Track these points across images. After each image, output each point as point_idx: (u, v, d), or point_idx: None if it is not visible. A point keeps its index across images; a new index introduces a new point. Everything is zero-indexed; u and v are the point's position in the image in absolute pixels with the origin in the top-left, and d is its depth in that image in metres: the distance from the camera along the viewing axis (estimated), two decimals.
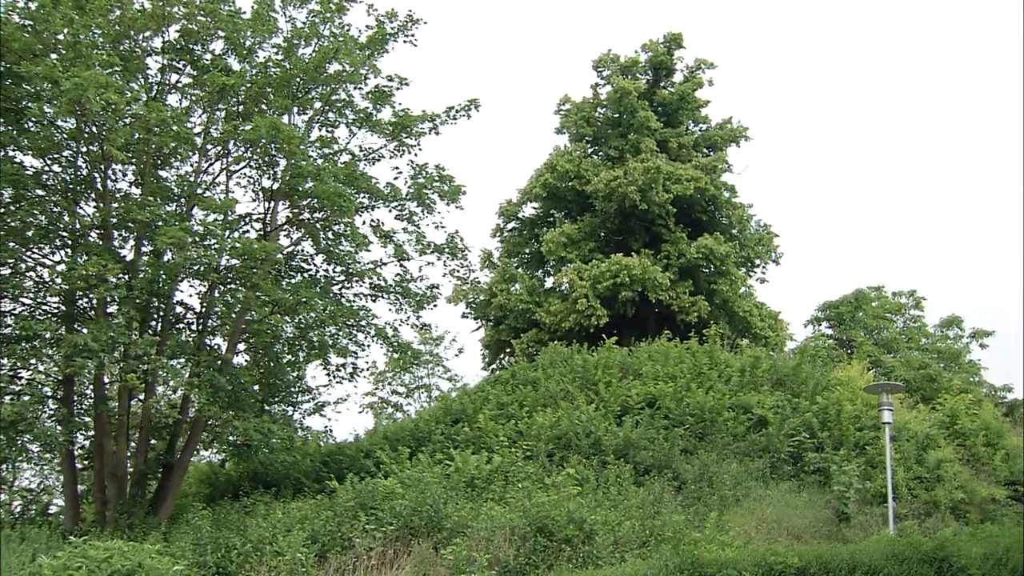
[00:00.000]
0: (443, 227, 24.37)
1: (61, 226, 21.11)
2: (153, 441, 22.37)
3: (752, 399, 23.38)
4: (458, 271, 25.14)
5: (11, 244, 20.02)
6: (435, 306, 24.85)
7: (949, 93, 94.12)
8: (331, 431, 25.50)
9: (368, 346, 24.03)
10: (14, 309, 21.37)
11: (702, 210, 36.46)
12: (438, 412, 24.97)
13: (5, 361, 21.72)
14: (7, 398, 21.10)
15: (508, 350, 37.15)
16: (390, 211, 24.01)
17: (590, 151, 38.48)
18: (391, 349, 24.20)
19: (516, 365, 29.10)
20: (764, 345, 34.16)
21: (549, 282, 37.30)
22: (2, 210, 20.39)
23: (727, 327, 34.09)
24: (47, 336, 20.69)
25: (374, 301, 24.08)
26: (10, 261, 20.56)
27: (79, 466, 22.82)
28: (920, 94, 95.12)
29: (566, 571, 13.73)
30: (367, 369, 25.59)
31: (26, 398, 20.66)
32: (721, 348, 28.13)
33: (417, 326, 25.03)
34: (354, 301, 23.70)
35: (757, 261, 38.31)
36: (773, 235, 38.64)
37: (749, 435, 22.24)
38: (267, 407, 22.71)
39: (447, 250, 24.37)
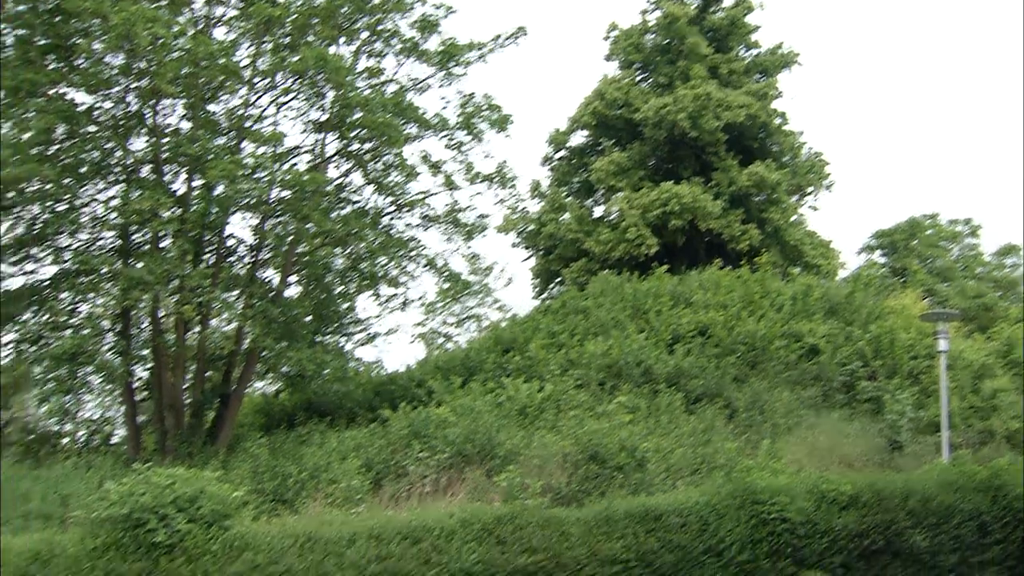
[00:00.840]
0: (492, 157, 24.32)
1: (114, 162, 21.31)
2: (209, 372, 22.74)
3: (804, 327, 23.24)
4: (507, 201, 25.11)
5: (67, 180, 20.29)
6: (485, 235, 24.91)
7: (1004, 16, 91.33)
8: (383, 362, 25.73)
9: (418, 276, 24.20)
10: (72, 244, 21.73)
11: (753, 137, 35.98)
12: (489, 341, 25.08)
13: (65, 295, 22.17)
14: (67, 332, 21.57)
15: (558, 279, 37.19)
16: (439, 140, 23.96)
17: (639, 78, 38.03)
18: (442, 279, 24.31)
19: (566, 294, 29.10)
20: (816, 273, 33.85)
21: (599, 211, 37.17)
22: (57, 147, 20.63)
23: (778, 255, 33.84)
24: (104, 270, 21.01)
25: (425, 230, 24.17)
26: (66, 197, 20.85)
27: (139, 397, 23.34)
28: (974, 17, 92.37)
29: (618, 498, 13.84)
30: (418, 300, 25.77)
31: (85, 331, 21.11)
32: (772, 276, 27.93)
33: (467, 256, 25.10)
34: (404, 232, 23.79)
35: (808, 189, 37.86)
36: (824, 162, 38.12)
37: (801, 363, 22.15)
38: (320, 338, 22.96)
39: (496, 179, 24.32)
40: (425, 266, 23.82)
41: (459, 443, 16.53)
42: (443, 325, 37.34)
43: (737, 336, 22.88)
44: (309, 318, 22.47)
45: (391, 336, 25.30)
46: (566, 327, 24.64)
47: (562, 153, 39.48)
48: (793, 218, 35.88)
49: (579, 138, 39.28)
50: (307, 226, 20.70)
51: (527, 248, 38.24)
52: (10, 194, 20.35)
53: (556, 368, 21.42)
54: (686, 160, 35.20)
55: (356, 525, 11.50)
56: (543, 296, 38.02)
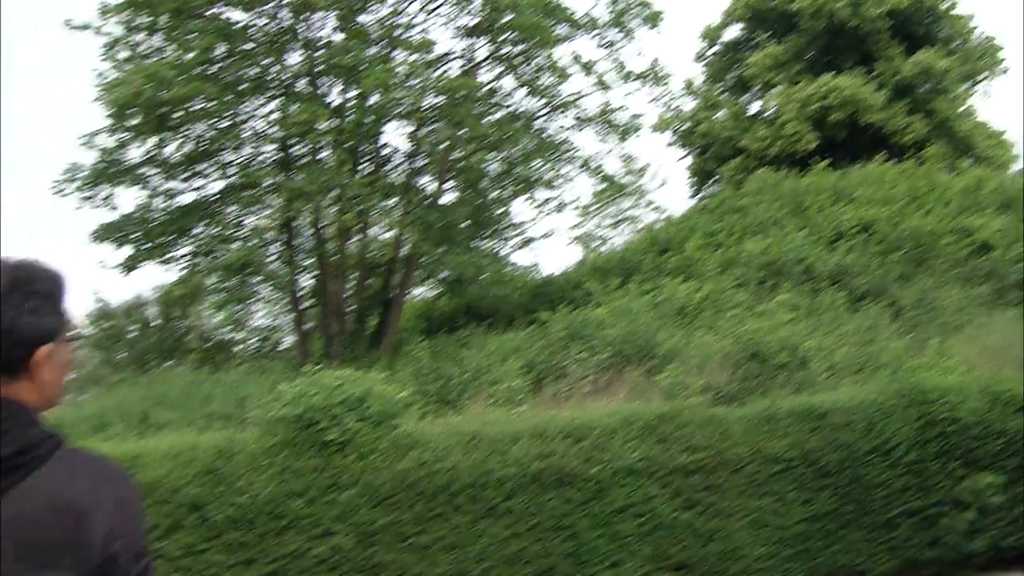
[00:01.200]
0: (644, 55, 23.89)
1: (271, 77, 21.83)
2: (370, 280, 23.37)
3: (975, 222, 22.10)
4: (660, 99, 24.66)
5: (228, 98, 20.91)
6: (638, 136, 24.58)
7: None
8: (539, 265, 25.92)
9: (573, 179, 24.13)
10: (236, 160, 22.50)
11: (919, 23, 33.96)
12: (645, 242, 24.86)
13: (232, 209, 23.07)
14: (235, 244, 22.49)
15: (714, 178, 36.48)
16: (590, 40, 23.60)
17: None
18: (596, 181, 24.19)
19: (723, 193, 28.51)
20: (988, 165, 32.06)
21: (754, 107, 36.07)
22: (217, 66, 21.24)
23: (946, 148, 32.18)
24: (267, 183, 21.71)
25: (579, 132, 24.01)
26: (228, 114, 21.53)
27: (304, 305, 24.23)
28: None
29: (780, 397, 13.64)
30: (573, 203, 25.75)
31: (252, 243, 21.96)
32: (940, 170, 26.62)
33: (621, 157, 24.87)
34: (557, 134, 23.68)
35: (980, 76, 35.69)
36: (997, 47, 35.75)
37: (971, 260, 21.12)
38: (477, 243, 23.26)
39: (649, 78, 23.85)
40: (580, 168, 23.73)
41: (618, 344, 16.54)
42: (599, 227, 37.26)
43: (902, 232, 21.98)
44: (466, 223, 22.75)
45: (547, 239, 25.47)
46: (724, 226, 24.16)
47: (715, 49, 38.27)
48: (963, 108, 33.97)
49: (733, 32, 38.00)
50: (461, 132, 20.82)
51: (682, 147, 37.54)
52: (177, 114, 21.15)
53: (714, 268, 21.09)
54: (846, 51, 33.59)
55: (519, 424, 11.70)
56: (699, 196, 37.37)
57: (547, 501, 10.97)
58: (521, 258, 26.03)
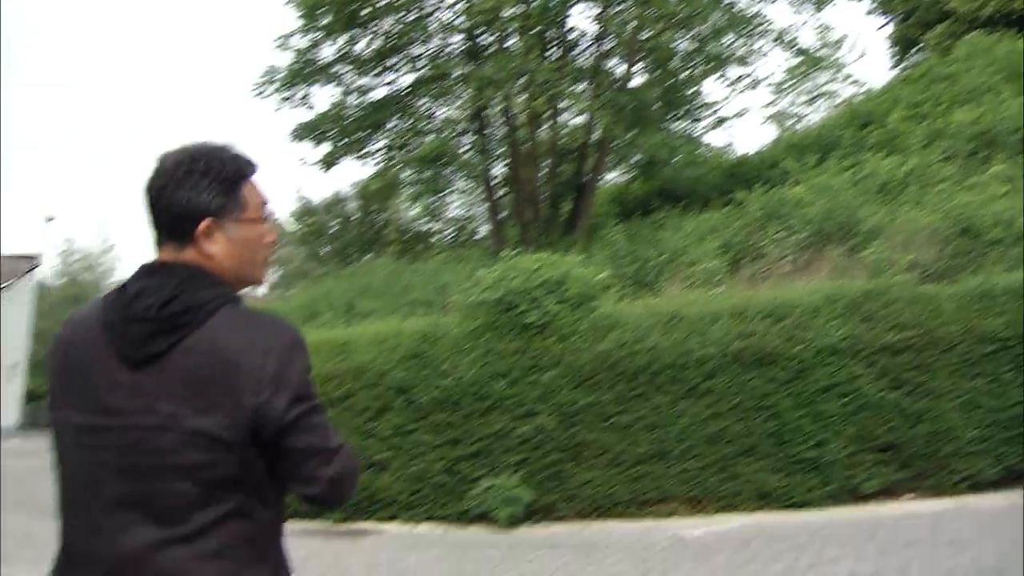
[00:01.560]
0: None
1: None
2: (562, 166, 23.36)
3: None
4: None
5: None
6: (835, 5, 23.31)
7: None
8: (734, 144, 25.26)
9: (766, 54, 23.20)
10: (424, 52, 22.71)
11: None
12: (844, 117, 23.73)
13: (423, 101, 23.40)
14: (428, 136, 22.87)
15: (918, 47, 34.26)
16: None
17: None
18: (791, 55, 23.17)
19: (929, 61, 26.75)
20: None
21: None
22: None
23: None
24: (456, 73, 21.84)
25: (772, 3, 22.97)
26: (415, 7, 21.67)
27: (498, 194, 24.51)
28: None
29: (993, 274, 12.89)
30: (766, 79, 24.79)
31: (444, 134, 22.28)
32: None
33: (817, 29, 23.69)
34: (749, 7, 22.69)
35: None
36: None
37: None
38: (669, 125, 22.80)
39: None
40: (773, 42, 22.71)
41: (817, 222, 15.98)
42: (794, 104, 35.87)
43: None
44: (657, 105, 22.30)
45: (741, 118, 24.75)
46: (929, 96, 22.73)
47: None
48: None
49: None
50: (648, 11, 20.25)
51: (882, 15, 35.37)
52: (365, 10, 21.45)
53: (919, 140, 19.94)
54: None
55: (718, 304, 11.55)
56: (901, 65, 35.24)
57: (748, 381, 10.84)
58: (715, 138, 25.41)
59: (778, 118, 35.22)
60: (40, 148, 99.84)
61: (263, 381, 2.02)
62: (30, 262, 34.77)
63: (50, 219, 35.36)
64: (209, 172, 2.18)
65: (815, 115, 33.54)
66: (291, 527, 7.71)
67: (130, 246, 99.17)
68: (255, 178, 2.29)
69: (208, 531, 1.99)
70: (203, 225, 2.16)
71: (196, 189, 2.16)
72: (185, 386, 2.01)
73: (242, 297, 2.21)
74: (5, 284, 32.31)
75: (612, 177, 26.48)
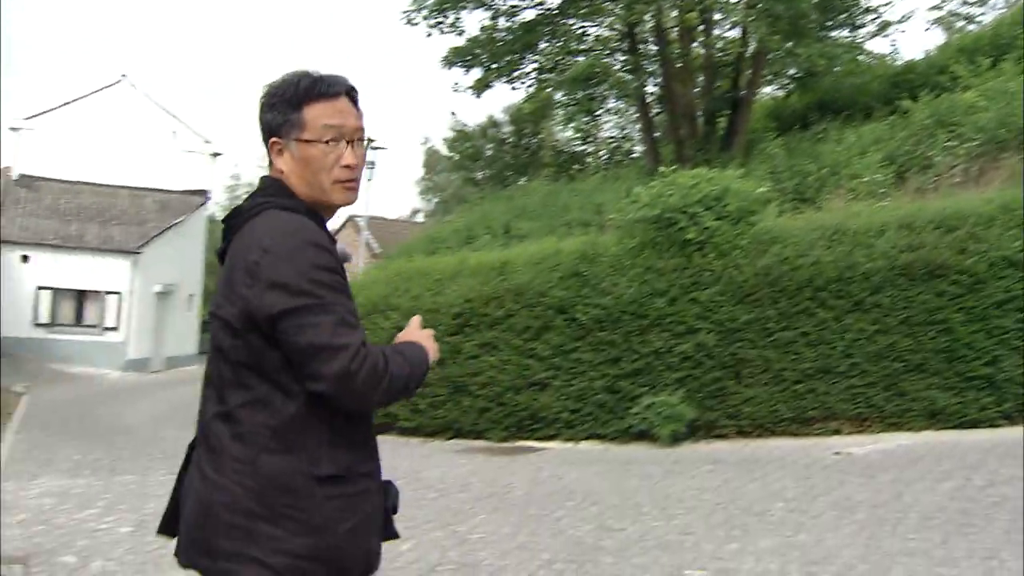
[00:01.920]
0: None
1: None
2: (718, 81, 22.81)
3: None
4: None
5: None
6: None
7: None
8: (897, 50, 24.03)
9: None
10: None
11: None
12: (1019, 16, 22.28)
13: (573, 21, 23.14)
14: (580, 56, 22.65)
15: None
16: None
17: None
18: None
19: None
20: None
21: None
22: None
23: None
24: None
25: None
26: None
27: (652, 112, 24.16)
28: None
29: None
30: None
31: (596, 52, 22.02)
32: None
33: None
34: None
35: None
36: None
37: None
38: (827, 33, 21.85)
39: None
40: None
41: (991, 129, 15.16)
42: (963, 5, 33.86)
43: None
44: (815, 13, 21.37)
45: (905, 23, 23.39)
46: None
47: None
48: None
49: None
50: None
51: None
52: None
53: None
54: None
55: (884, 215, 11.19)
56: None
57: (917, 295, 10.50)
58: (877, 45, 24.12)
59: (946, 21, 33.32)
60: (205, 83, 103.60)
61: (254, 274, 2.21)
62: (201, 197, 36.32)
63: (217, 155, 36.75)
64: (280, 95, 2.40)
65: (988, 15, 31.56)
66: (454, 445, 7.94)
67: None
68: (334, 102, 2.41)
69: (237, 414, 2.27)
70: (271, 143, 2.41)
71: (271, 111, 2.41)
72: (224, 278, 2.32)
73: (297, 205, 2.37)
74: (179, 220, 33.91)
75: (769, 91, 25.71)
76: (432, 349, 2.55)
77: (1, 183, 32.86)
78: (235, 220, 2.38)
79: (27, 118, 32.75)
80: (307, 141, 2.37)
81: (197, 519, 2.29)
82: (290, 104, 2.38)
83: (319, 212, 2.42)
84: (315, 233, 2.29)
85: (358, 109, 2.48)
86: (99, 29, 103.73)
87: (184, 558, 2.34)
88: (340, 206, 2.48)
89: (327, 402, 2.22)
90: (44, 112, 34.27)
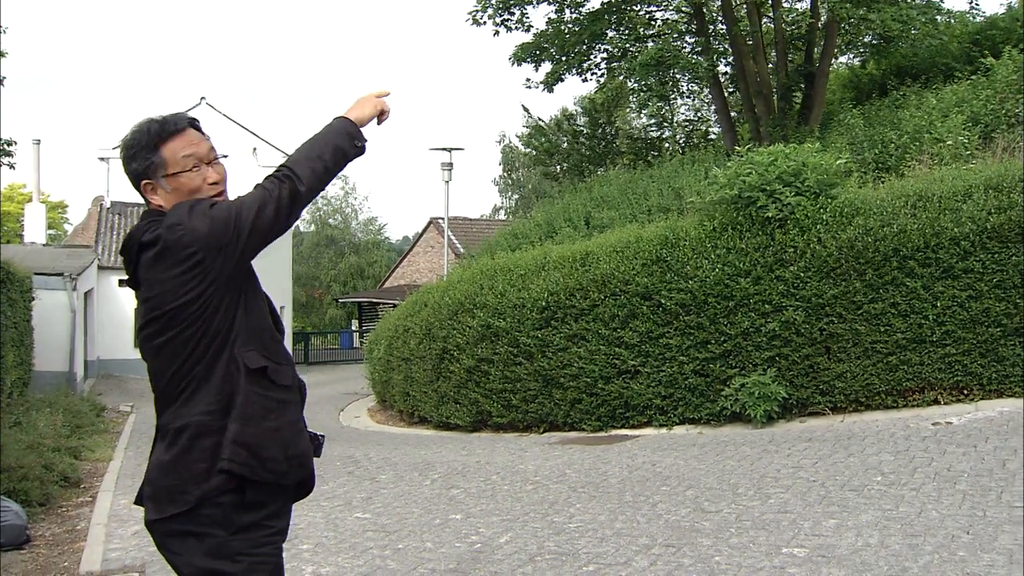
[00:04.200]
0: None
1: None
2: (791, 56, 22.47)
3: None
4: None
5: None
6: None
7: None
8: (977, 6, 23.24)
9: None
10: None
11: None
12: None
13: (639, 7, 23.05)
14: (649, 42, 22.54)
15: None
16: None
17: None
18: None
19: None
20: None
21: None
22: None
23: None
24: None
25: None
26: None
27: (727, 92, 23.92)
28: None
29: None
30: None
31: (665, 36, 21.88)
32: None
33: None
34: None
35: None
36: None
37: None
38: None
39: None
40: None
41: None
42: None
43: None
44: None
45: None
46: None
47: None
48: None
49: None
50: None
51: None
52: None
53: None
54: None
55: (971, 178, 10.90)
56: None
57: (1009, 257, 10.20)
58: (954, 3, 23.41)
59: None
60: (279, 98, 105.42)
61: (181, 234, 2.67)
62: None
63: None
64: (136, 144, 2.82)
65: None
66: (548, 438, 8.12)
67: (369, 187, 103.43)
68: (183, 135, 2.83)
69: None
70: (143, 186, 2.83)
71: (134, 161, 2.83)
72: (152, 293, 2.78)
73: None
74: None
75: (844, 61, 25.22)
76: (369, 106, 2.94)
77: (98, 212, 33.96)
78: (129, 251, 2.80)
79: (115, 147, 33.70)
80: (173, 174, 2.79)
81: None
82: (148, 149, 2.80)
83: None
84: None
85: (203, 134, 2.91)
86: (177, 57, 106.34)
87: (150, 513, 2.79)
88: None
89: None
90: None
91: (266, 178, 2.76)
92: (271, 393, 2.79)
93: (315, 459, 3.02)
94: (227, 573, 2.68)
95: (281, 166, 2.77)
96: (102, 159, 34.46)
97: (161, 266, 2.69)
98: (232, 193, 2.93)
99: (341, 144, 2.84)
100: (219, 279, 2.69)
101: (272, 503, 2.80)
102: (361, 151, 2.89)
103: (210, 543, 2.67)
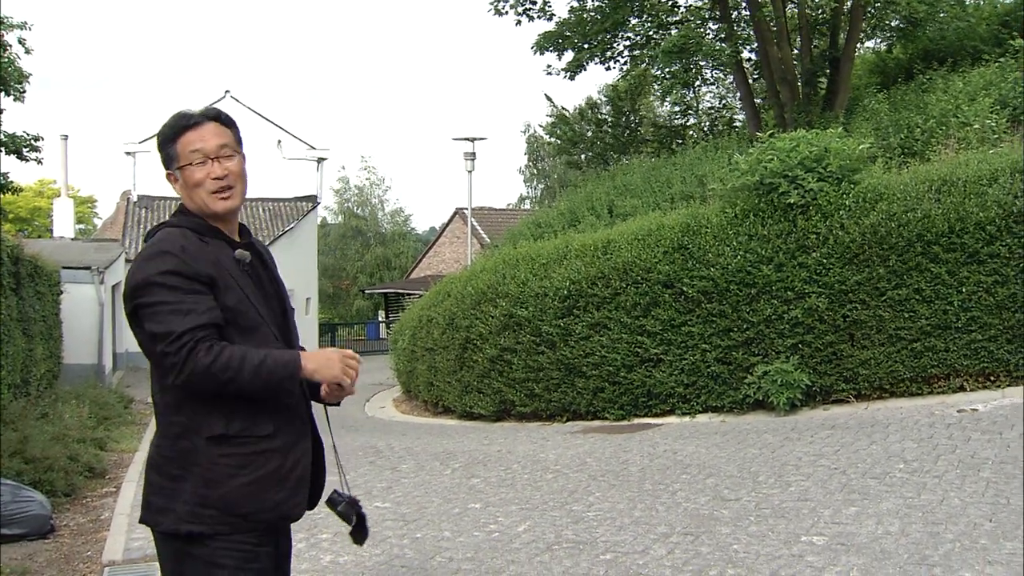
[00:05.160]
0: None
1: None
2: (814, 41, 22.26)
3: None
4: None
5: None
6: None
7: None
8: None
9: None
10: None
11: None
12: None
13: None
14: (672, 29, 22.41)
15: None
16: None
17: None
18: None
19: None
20: None
21: None
22: None
23: None
24: None
25: None
26: None
27: (751, 79, 23.73)
28: None
29: None
30: None
31: (687, 22, 21.76)
32: None
33: None
34: None
35: None
36: None
37: None
38: None
39: None
40: None
41: None
42: None
43: None
44: None
45: None
46: None
47: None
48: None
49: None
50: None
51: None
52: None
53: None
54: None
55: (997, 162, 10.74)
56: None
57: None
58: None
59: None
60: (304, 90, 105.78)
61: (127, 280, 2.83)
62: (310, 203, 37.09)
63: (322, 160, 37.42)
64: (162, 137, 2.98)
65: None
66: (571, 427, 8.10)
67: (396, 178, 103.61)
68: (198, 130, 2.94)
69: (154, 389, 2.95)
70: (167, 175, 3.01)
71: (160, 152, 2.99)
72: None
73: (182, 221, 2.96)
74: (291, 226, 34.75)
75: (869, 46, 24.97)
76: (332, 370, 2.86)
77: (126, 206, 34.22)
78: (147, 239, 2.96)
79: (141, 141, 33.91)
80: (183, 167, 2.93)
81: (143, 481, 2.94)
82: (168, 142, 2.96)
83: (210, 222, 2.95)
84: (171, 244, 2.81)
85: (230, 127, 3.02)
86: (202, 51, 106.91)
87: (143, 517, 2.90)
88: (223, 213, 2.96)
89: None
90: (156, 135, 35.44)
91: (207, 342, 2.70)
92: (240, 450, 2.78)
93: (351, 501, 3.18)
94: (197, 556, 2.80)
95: (227, 356, 2.70)
96: (128, 153, 34.69)
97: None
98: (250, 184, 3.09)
99: (277, 379, 2.77)
100: None
101: (259, 542, 2.86)
102: (285, 396, 2.85)
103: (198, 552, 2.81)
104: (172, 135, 2.94)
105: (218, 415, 2.76)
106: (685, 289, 11.67)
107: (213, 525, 2.72)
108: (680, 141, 27.77)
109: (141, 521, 2.89)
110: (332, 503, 3.11)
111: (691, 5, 23.29)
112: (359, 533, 3.15)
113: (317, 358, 2.84)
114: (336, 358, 2.86)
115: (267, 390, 2.75)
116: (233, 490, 2.74)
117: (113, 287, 24.01)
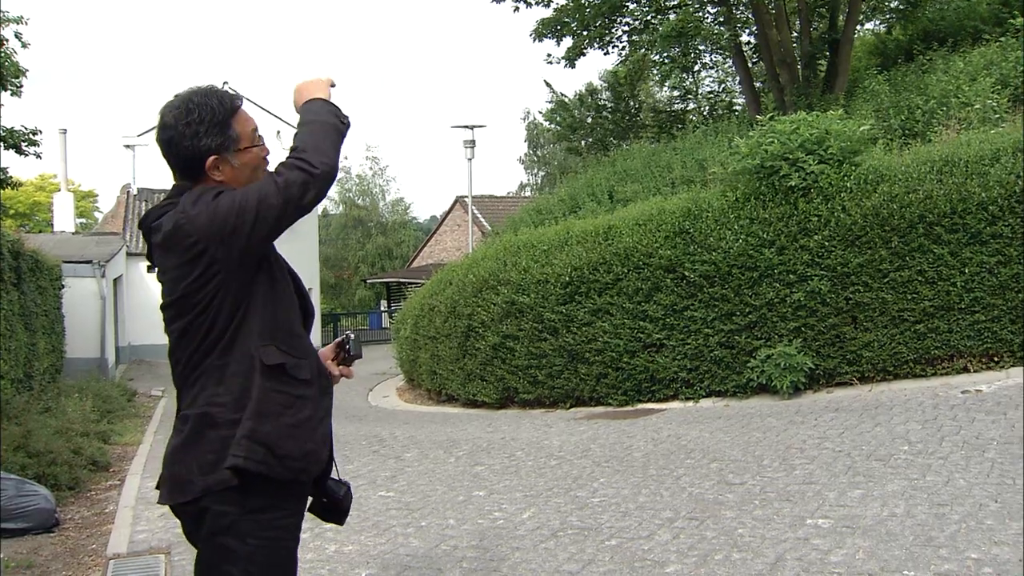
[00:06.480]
0: None
1: None
2: (814, 24, 22.18)
3: None
4: None
5: None
6: None
7: None
8: None
9: None
10: None
11: None
12: None
13: None
14: (670, 14, 22.32)
15: None
16: None
17: None
18: None
19: None
20: None
21: None
22: None
23: None
24: None
25: None
26: None
27: (750, 62, 23.65)
28: None
29: None
30: None
31: (686, 7, 21.66)
32: None
33: None
34: None
35: None
36: None
37: None
38: None
39: None
40: None
41: None
42: None
43: None
44: None
45: None
46: None
47: None
48: None
49: None
50: None
51: None
52: None
53: None
54: None
55: (998, 142, 10.70)
56: None
57: None
58: None
59: None
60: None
61: (185, 225, 2.64)
62: None
63: None
64: (204, 119, 2.72)
65: None
66: (574, 413, 8.04)
67: (397, 167, 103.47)
68: (243, 109, 2.81)
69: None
70: (209, 162, 2.73)
71: (197, 137, 2.71)
72: (170, 263, 2.75)
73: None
74: None
75: (869, 27, 24.89)
76: (323, 87, 2.91)
77: (126, 199, 34.18)
78: (143, 229, 2.83)
79: (140, 135, 33.85)
80: (245, 148, 2.78)
81: None
82: (222, 124, 2.74)
83: None
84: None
85: None
86: (199, 41, 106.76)
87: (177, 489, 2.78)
88: None
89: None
90: (155, 127, 35.39)
91: (278, 165, 2.68)
92: (289, 389, 2.76)
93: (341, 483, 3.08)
94: (234, 551, 2.67)
95: (291, 152, 2.70)
96: (127, 146, 34.63)
97: (167, 254, 2.69)
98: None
99: (335, 123, 2.80)
100: (226, 270, 2.64)
101: (282, 502, 2.78)
102: (348, 126, 2.85)
103: (220, 522, 2.67)
104: (226, 117, 2.76)
105: (276, 345, 2.74)
106: (687, 274, 11.65)
107: (258, 464, 2.64)
108: (680, 125, 27.71)
109: (169, 499, 2.80)
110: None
111: None
112: (335, 512, 3.10)
113: (316, 89, 2.90)
114: (317, 81, 2.93)
115: (341, 128, 2.82)
116: (278, 428, 2.71)
117: (115, 280, 24.00)
